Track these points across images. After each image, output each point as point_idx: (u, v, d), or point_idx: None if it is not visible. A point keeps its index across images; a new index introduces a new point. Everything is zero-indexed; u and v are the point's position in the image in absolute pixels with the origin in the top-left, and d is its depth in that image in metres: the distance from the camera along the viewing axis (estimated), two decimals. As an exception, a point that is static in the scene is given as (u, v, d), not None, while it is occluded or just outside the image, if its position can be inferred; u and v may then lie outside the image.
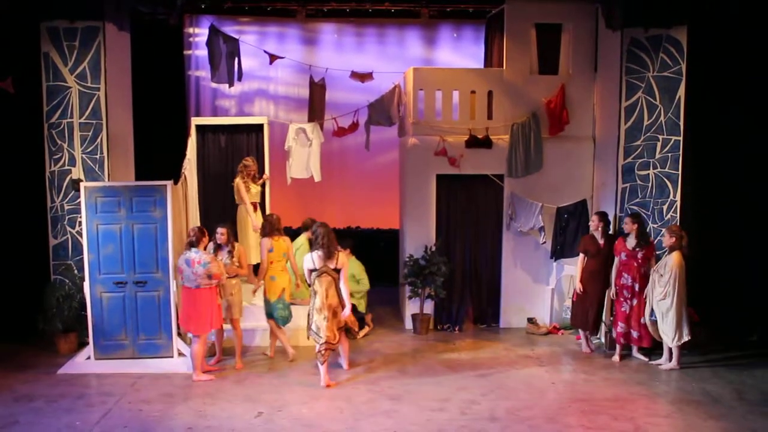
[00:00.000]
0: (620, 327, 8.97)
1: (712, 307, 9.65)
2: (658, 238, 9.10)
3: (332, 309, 7.96)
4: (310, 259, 8.02)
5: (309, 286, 8.22)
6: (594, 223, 9.31)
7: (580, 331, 9.48)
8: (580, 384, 8.19)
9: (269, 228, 8.88)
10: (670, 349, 8.64)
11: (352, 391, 7.86)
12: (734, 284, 9.95)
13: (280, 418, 7.08)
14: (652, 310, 8.66)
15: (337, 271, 8.00)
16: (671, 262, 8.47)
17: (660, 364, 8.75)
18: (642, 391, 7.94)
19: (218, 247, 8.63)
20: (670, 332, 8.51)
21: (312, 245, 8.24)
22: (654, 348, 8.96)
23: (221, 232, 8.61)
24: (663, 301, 8.49)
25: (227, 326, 8.87)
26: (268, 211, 10.24)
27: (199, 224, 9.94)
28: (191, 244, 8.20)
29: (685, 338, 8.52)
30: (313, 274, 8.01)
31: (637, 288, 8.84)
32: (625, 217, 9.10)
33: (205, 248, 8.32)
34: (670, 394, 7.84)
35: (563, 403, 7.58)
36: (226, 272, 8.40)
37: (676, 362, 8.63)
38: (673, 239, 8.55)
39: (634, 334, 8.93)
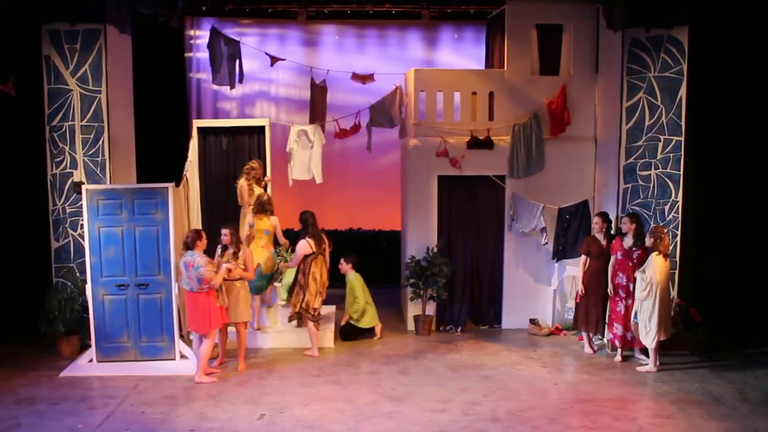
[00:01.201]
0: (616, 329, 8.93)
1: (713, 308, 9.65)
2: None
3: (324, 286, 9.23)
4: (307, 245, 9.03)
5: (300, 271, 9.11)
6: (598, 225, 9.27)
7: (582, 332, 9.46)
8: (582, 385, 8.18)
9: (257, 206, 9.41)
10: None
11: (354, 393, 7.86)
12: (736, 284, 9.94)
13: (282, 420, 7.09)
14: (636, 312, 8.63)
15: (324, 250, 9.25)
16: (650, 262, 8.45)
17: (640, 364, 8.75)
18: (644, 392, 7.94)
19: (225, 248, 8.62)
20: (650, 333, 8.49)
21: (302, 232, 9.15)
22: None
23: (225, 233, 8.56)
24: (646, 301, 8.46)
25: (231, 328, 8.86)
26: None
27: (200, 226, 9.97)
28: (187, 246, 8.22)
29: (662, 337, 8.51)
30: (309, 257, 9.01)
31: (631, 288, 8.80)
32: (623, 217, 9.06)
33: (204, 251, 8.30)
34: (672, 394, 7.83)
35: (565, 403, 7.58)
36: (228, 275, 8.35)
37: (653, 365, 8.60)
38: (652, 240, 8.53)
39: (628, 335, 8.89)
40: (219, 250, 8.62)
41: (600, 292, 9.16)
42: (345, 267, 10.16)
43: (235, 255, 8.51)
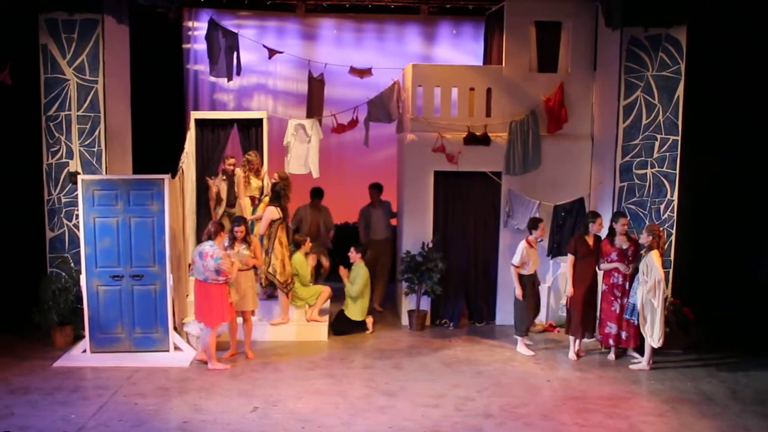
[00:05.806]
0: (609, 327, 8.91)
1: (706, 307, 9.67)
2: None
3: (288, 251, 9.56)
4: (275, 211, 9.26)
5: (264, 236, 9.33)
6: (603, 226, 9.18)
7: (572, 336, 9.22)
8: (575, 382, 8.21)
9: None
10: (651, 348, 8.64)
11: (348, 387, 7.88)
12: (729, 284, 9.97)
13: (275, 413, 7.10)
14: (633, 308, 8.62)
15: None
16: (649, 261, 8.45)
17: (633, 363, 8.77)
18: (636, 390, 7.97)
19: (233, 239, 8.76)
20: (657, 333, 8.47)
21: (277, 200, 9.34)
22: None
23: (240, 230, 8.72)
24: (652, 299, 8.46)
25: (239, 319, 8.90)
26: (264, 208, 10.15)
27: (195, 218, 10.04)
28: (209, 236, 8.34)
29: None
30: (276, 222, 9.25)
31: (627, 286, 8.80)
32: (621, 218, 8.94)
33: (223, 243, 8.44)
34: (664, 392, 7.86)
35: (558, 400, 7.61)
36: (242, 263, 8.61)
37: (646, 363, 8.61)
38: (650, 238, 8.53)
39: (623, 334, 8.88)
40: (226, 241, 8.68)
41: (590, 292, 9.12)
42: (354, 256, 10.11)
43: (248, 243, 8.79)
